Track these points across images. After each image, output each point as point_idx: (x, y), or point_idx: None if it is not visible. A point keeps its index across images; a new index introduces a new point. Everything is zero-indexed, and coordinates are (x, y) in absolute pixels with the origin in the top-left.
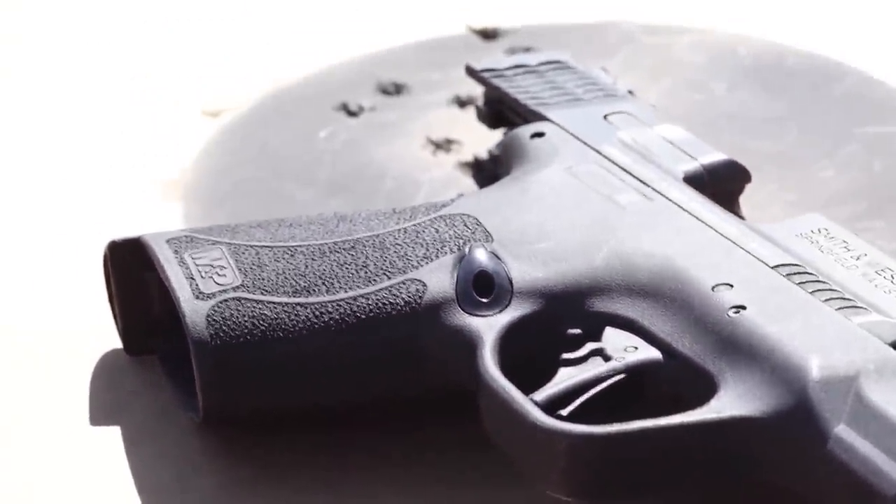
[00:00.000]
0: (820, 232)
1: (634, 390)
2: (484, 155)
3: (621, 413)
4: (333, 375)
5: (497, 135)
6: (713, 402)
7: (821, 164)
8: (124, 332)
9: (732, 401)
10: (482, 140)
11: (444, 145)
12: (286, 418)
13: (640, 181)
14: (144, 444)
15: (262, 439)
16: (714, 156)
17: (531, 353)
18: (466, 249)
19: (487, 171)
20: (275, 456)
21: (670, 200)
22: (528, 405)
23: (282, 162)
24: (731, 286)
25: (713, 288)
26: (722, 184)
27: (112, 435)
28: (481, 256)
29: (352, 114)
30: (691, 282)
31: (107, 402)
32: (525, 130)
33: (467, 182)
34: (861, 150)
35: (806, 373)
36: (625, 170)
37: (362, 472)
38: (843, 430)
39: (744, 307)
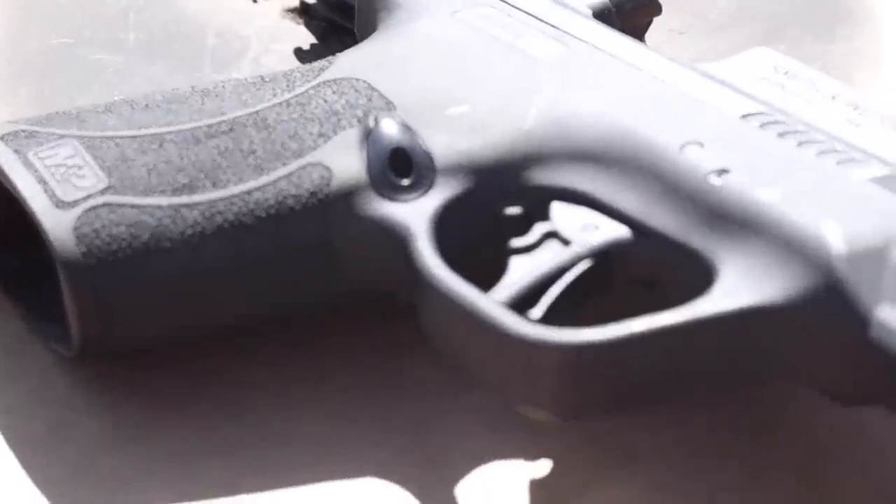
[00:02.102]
0: (778, 70)
1: (601, 278)
2: None
3: (590, 307)
4: (233, 288)
5: None
6: (718, 289)
7: None
8: None
9: (742, 286)
10: None
11: None
12: (176, 343)
13: (546, 24)
14: (3, 390)
15: (149, 370)
16: None
17: (467, 241)
18: (371, 121)
19: (321, 18)
20: (167, 389)
21: (591, 45)
22: (498, 310)
23: (79, 26)
24: (701, 145)
25: (681, 148)
26: (630, 18)
27: None
28: (391, 129)
29: None
30: (651, 142)
31: None
32: None
33: (300, 32)
34: None
35: (826, 246)
36: (523, 11)
37: (271, 398)
38: (886, 311)
39: (726, 170)
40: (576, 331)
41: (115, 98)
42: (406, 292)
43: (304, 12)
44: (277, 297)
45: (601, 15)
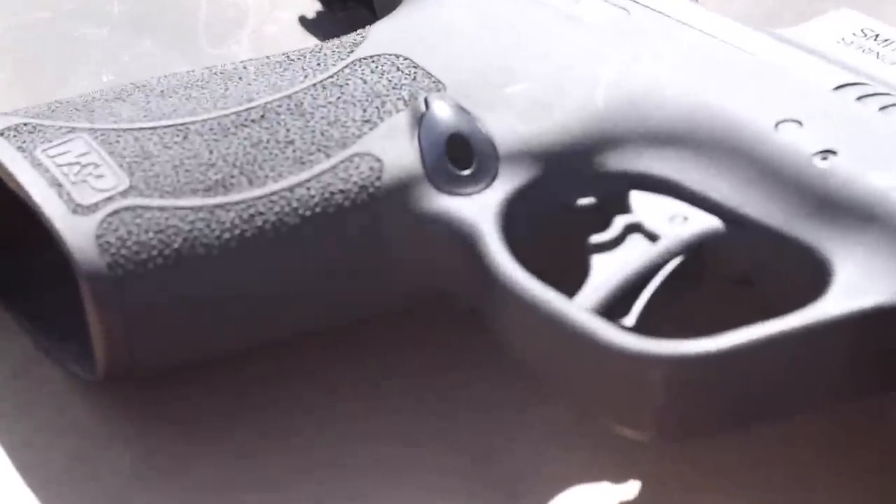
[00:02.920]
0: (866, 34)
1: (693, 275)
2: None
3: (683, 306)
4: (277, 296)
5: None
6: (837, 288)
7: None
8: None
9: (864, 284)
10: None
11: None
12: (211, 360)
13: None
14: (9, 416)
15: (178, 392)
16: None
17: (537, 237)
18: (421, 104)
19: None
20: (198, 413)
21: (654, 10)
22: (590, 319)
23: None
24: (799, 123)
25: (776, 127)
26: None
27: None
28: (445, 112)
29: None
30: (741, 121)
31: None
32: None
33: None
34: None
35: None
36: None
37: (316, 419)
38: None
39: (832, 151)
40: (683, 342)
41: (123, 83)
42: (470, 296)
43: None
44: (326, 305)
45: None
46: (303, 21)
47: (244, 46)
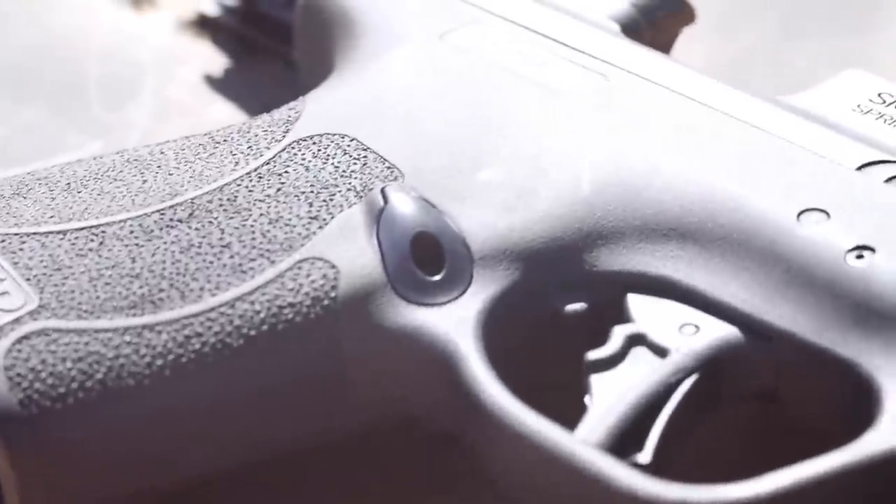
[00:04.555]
0: (883, 99)
1: (710, 394)
2: (211, 8)
3: (700, 431)
4: (220, 429)
5: None
6: (889, 416)
7: None
8: None
9: None
10: None
11: None
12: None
13: (568, 46)
14: None
15: None
16: None
17: (519, 350)
18: (378, 197)
19: (229, 33)
20: None
21: (636, 75)
22: (600, 459)
23: None
24: (826, 213)
25: (798, 218)
26: (661, 30)
27: None
28: (407, 206)
29: None
30: (755, 212)
31: None
32: None
33: (205, 51)
34: None
35: None
36: (532, 30)
37: None
38: None
39: (869, 247)
40: (719, 488)
41: (19, 174)
42: (445, 422)
43: (205, 26)
44: (276, 436)
45: (629, 29)
46: (209, 80)
47: (145, 111)
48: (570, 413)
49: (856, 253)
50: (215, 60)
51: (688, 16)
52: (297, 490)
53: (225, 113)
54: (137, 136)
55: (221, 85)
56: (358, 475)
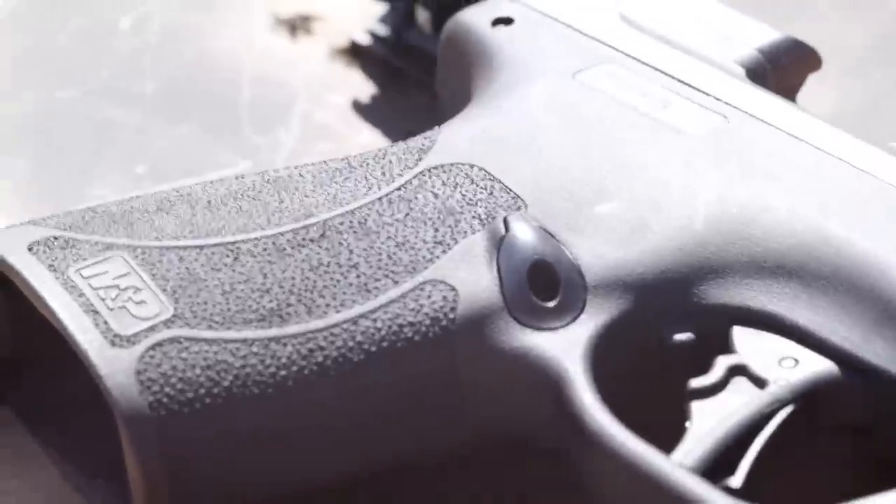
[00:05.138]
0: None
1: (804, 425)
2: (363, 37)
3: (793, 460)
4: (337, 440)
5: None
6: None
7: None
8: None
9: None
10: (351, 10)
11: (300, 24)
12: None
13: (693, 87)
14: None
15: None
16: (768, 34)
17: (627, 375)
18: (500, 225)
19: (379, 62)
20: None
21: (756, 118)
22: (693, 482)
23: (83, 73)
24: None
25: None
26: (787, 76)
27: None
28: (527, 235)
29: None
30: (860, 254)
31: None
32: (478, 14)
33: (355, 78)
34: None
35: None
36: (661, 71)
37: None
38: None
39: None
40: None
41: (164, 190)
42: (551, 440)
43: (356, 54)
44: (392, 447)
45: (754, 73)
46: (356, 106)
47: (293, 134)
48: (669, 438)
49: None
50: (364, 88)
51: (814, 62)
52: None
53: (369, 138)
54: (284, 157)
55: (368, 111)
56: (458, 488)
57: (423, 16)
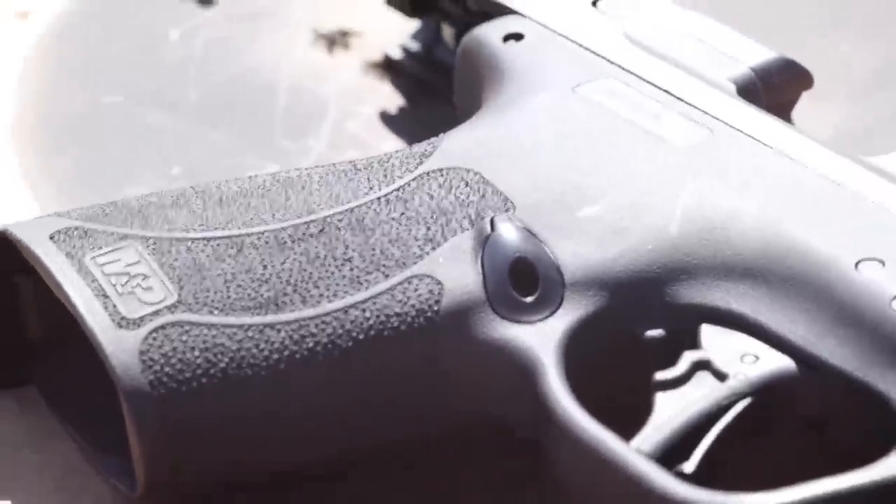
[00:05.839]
0: None
1: (761, 419)
2: (396, 52)
3: (748, 450)
4: (325, 421)
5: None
6: None
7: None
8: None
9: None
10: (388, 26)
11: (339, 39)
12: (255, 484)
13: (684, 102)
14: None
15: None
16: (762, 53)
17: (600, 368)
18: (487, 225)
19: (409, 76)
20: None
21: (739, 131)
22: (647, 466)
23: (129, 80)
24: (882, 263)
25: (856, 266)
26: (778, 93)
27: None
28: (511, 235)
29: (206, 1)
30: (821, 258)
31: None
32: (491, 30)
33: (386, 91)
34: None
35: None
36: (656, 86)
37: None
38: None
39: None
40: (742, 496)
41: (182, 185)
42: (525, 427)
43: (389, 68)
44: (376, 432)
45: (746, 91)
46: (384, 117)
47: (322, 142)
48: (637, 428)
49: None
50: (392, 99)
51: (805, 81)
52: (385, 484)
53: (394, 147)
54: (311, 162)
55: (394, 122)
56: (443, 473)
57: (448, 32)
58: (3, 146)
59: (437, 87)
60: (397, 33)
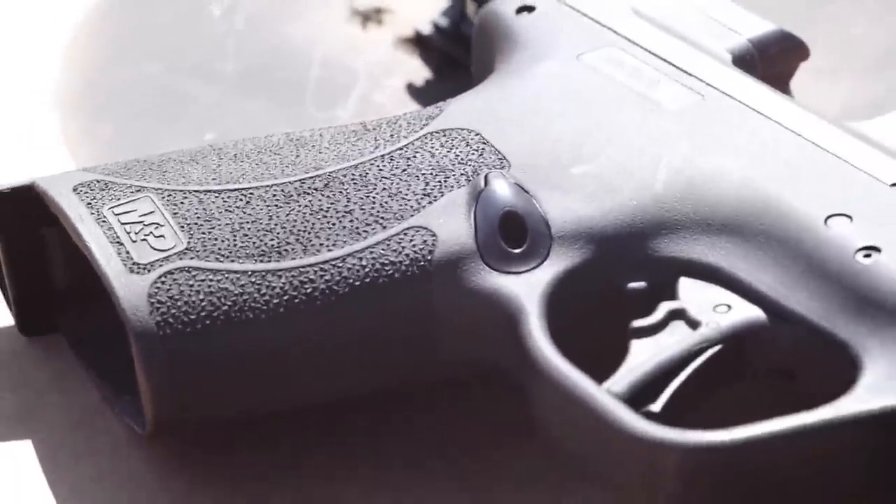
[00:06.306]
0: None
1: (732, 366)
2: (427, 28)
3: (718, 395)
4: (322, 363)
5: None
6: (863, 386)
7: (850, 18)
8: (17, 306)
9: (891, 383)
10: (420, 4)
11: (373, 15)
12: (257, 422)
13: (680, 69)
14: (66, 464)
15: (228, 450)
16: (761, 26)
17: (584, 317)
18: (481, 181)
19: (437, 50)
20: (248, 471)
21: (729, 96)
22: (614, 405)
23: (172, 51)
24: (850, 218)
25: (826, 221)
26: (774, 64)
27: (19, 452)
28: (503, 190)
29: None
30: (793, 213)
31: (4, 406)
32: (506, 2)
33: (414, 64)
34: None
35: None
36: (655, 55)
37: (362, 482)
38: None
39: (877, 248)
40: (700, 433)
41: (203, 144)
42: (510, 371)
43: (419, 43)
44: (371, 373)
45: (742, 60)
46: (409, 88)
47: (349, 111)
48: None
49: (864, 252)
50: (420, 73)
51: (801, 53)
52: (388, 423)
53: None
54: None
55: (419, 93)
56: (444, 423)
57: (471, 7)
58: (47, 111)
59: (462, 61)
60: (429, 11)
